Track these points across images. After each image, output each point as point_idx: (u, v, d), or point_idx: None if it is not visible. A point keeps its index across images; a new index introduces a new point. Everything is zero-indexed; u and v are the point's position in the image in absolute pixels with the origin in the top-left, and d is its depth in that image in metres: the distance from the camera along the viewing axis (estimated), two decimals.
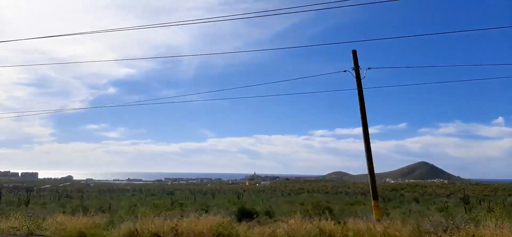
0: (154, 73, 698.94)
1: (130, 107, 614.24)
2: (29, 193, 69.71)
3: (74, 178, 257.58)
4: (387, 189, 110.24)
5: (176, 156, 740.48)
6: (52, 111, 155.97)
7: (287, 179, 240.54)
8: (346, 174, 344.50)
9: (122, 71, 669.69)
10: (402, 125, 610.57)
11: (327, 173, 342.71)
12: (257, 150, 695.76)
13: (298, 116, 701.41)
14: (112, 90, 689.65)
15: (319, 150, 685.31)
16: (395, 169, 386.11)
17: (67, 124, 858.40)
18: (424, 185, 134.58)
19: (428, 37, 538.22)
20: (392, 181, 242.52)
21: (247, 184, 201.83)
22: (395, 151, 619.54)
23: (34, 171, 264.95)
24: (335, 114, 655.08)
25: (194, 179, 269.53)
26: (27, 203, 39.13)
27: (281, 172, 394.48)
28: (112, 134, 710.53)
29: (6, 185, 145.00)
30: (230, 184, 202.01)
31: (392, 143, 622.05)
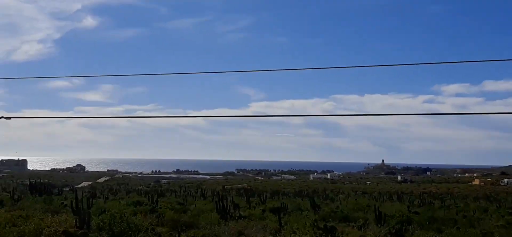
0: None
1: (120, 53, 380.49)
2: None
3: (85, 167, 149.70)
4: None
5: (198, 132, 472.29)
6: None
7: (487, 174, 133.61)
8: None
9: None
10: None
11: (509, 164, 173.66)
12: (336, 120, 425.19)
13: (413, 58, 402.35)
14: (90, 22, 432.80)
15: (453, 119, 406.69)
16: None
17: (17, 82, 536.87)
18: None
19: None
20: None
21: (475, 181, 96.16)
22: None
23: (20, 158, 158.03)
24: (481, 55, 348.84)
25: (276, 170, 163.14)
26: None
27: (388, 160, 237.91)
28: (92, 96, 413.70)
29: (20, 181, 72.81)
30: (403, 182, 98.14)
31: None
